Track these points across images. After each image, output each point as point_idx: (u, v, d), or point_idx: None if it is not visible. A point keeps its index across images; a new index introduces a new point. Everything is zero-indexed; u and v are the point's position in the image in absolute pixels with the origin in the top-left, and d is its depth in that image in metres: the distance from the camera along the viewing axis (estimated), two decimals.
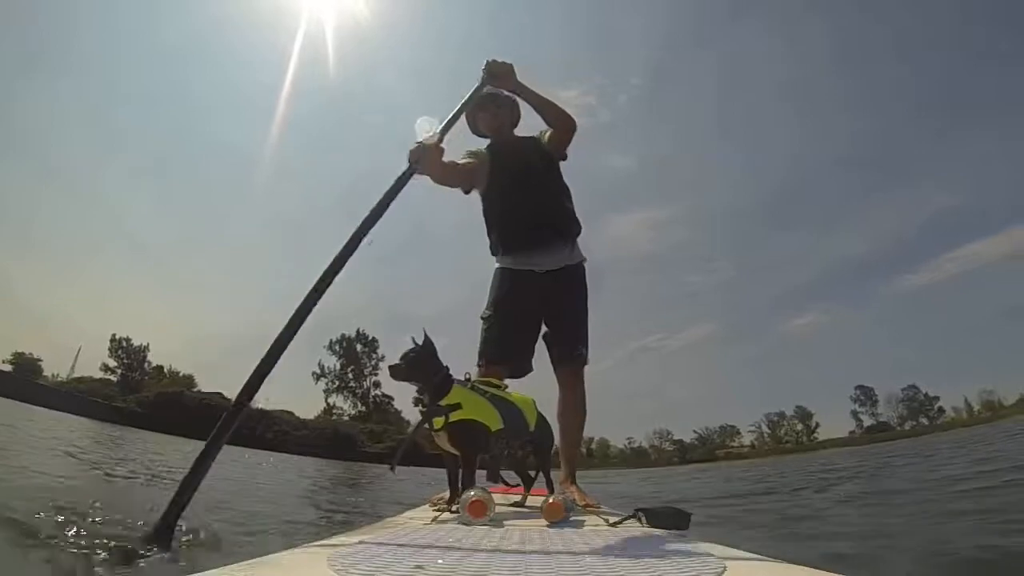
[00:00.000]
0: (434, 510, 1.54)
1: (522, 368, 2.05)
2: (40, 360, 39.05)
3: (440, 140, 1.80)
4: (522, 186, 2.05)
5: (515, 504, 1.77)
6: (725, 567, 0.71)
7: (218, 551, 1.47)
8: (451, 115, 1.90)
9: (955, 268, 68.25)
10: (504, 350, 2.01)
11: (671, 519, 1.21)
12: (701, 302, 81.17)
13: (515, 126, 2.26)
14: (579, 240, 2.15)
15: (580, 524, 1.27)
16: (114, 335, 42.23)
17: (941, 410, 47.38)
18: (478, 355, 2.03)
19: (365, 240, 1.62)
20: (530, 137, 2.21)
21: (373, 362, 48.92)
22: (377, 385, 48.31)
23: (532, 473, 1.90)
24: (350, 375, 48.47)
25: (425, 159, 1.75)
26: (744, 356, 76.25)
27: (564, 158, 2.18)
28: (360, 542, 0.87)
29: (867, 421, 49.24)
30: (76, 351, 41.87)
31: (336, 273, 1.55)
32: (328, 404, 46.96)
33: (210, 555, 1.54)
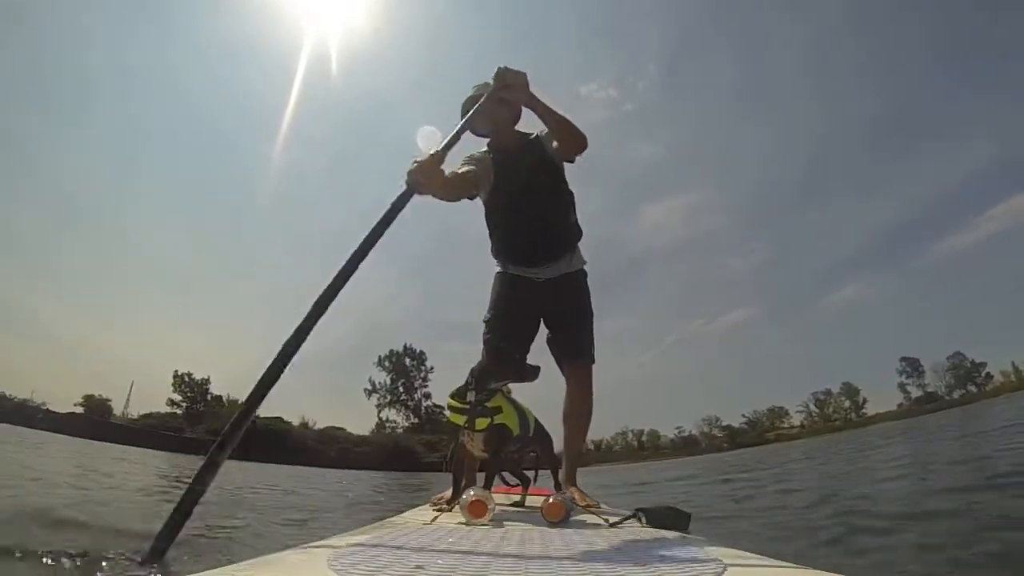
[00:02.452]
0: (434, 510, 1.54)
1: None
2: (109, 400, 41.46)
3: (441, 158, 1.63)
4: (524, 200, 2.01)
5: (515, 504, 1.78)
6: (725, 567, 0.71)
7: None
8: (454, 130, 1.74)
9: (994, 227, 64.13)
10: (504, 345, 2.03)
11: (671, 519, 1.22)
12: (741, 285, 79.05)
13: (516, 122, 2.13)
14: (580, 245, 2.14)
15: (580, 524, 1.27)
16: (176, 371, 44.75)
17: (989, 376, 44.94)
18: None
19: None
20: (534, 138, 2.10)
21: (423, 374, 49.88)
22: (428, 396, 49.28)
23: (529, 474, 1.95)
24: (401, 388, 49.75)
25: (425, 178, 1.58)
26: (787, 336, 73.77)
27: (571, 161, 2.08)
28: (360, 542, 0.87)
29: (915, 393, 47.33)
30: (129, 386, 43.91)
31: (329, 302, 1.42)
32: (381, 418, 48.56)
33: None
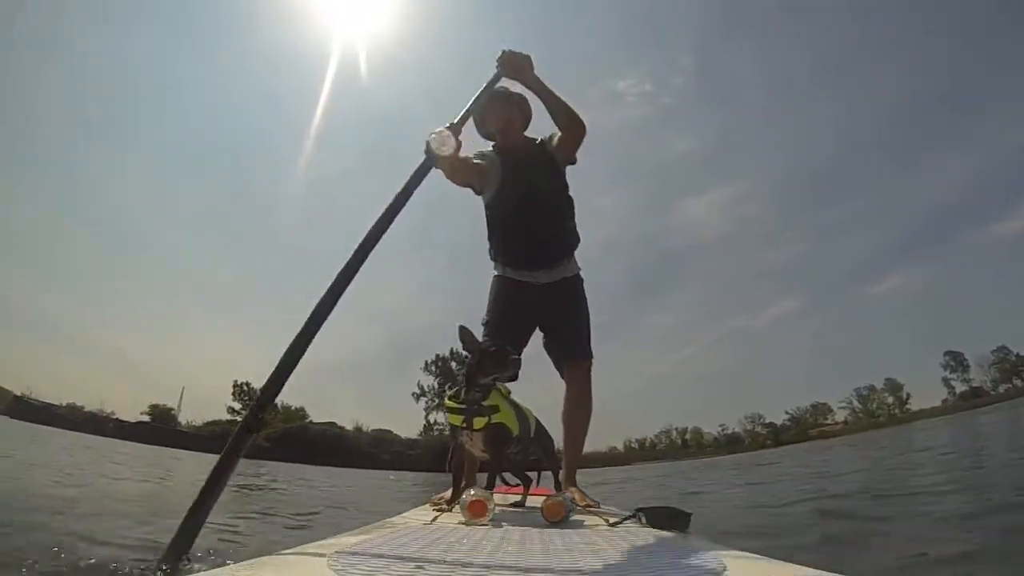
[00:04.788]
0: (434, 510, 1.54)
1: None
2: (173, 409, 44.32)
3: (458, 130, 1.70)
4: (528, 205, 2.00)
5: (515, 504, 1.78)
6: (725, 567, 0.71)
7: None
8: (464, 109, 1.77)
9: None
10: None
11: (671, 519, 1.21)
12: (781, 277, 76.92)
13: (527, 127, 2.16)
14: (576, 252, 2.15)
15: (580, 524, 1.27)
16: (235, 380, 47.78)
17: None
18: None
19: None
20: (539, 143, 2.12)
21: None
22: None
23: (530, 474, 1.95)
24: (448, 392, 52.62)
25: (441, 146, 1.64)
26: (829, 329, 71.72)
27: (573, 162, 2.10)
28: (360, 542, 0.87)
29: (959, 388, 45.81)
30: (180, 393, 46.13)
31: (350, 278, 1.43)
32: (428, 421, 49.83)
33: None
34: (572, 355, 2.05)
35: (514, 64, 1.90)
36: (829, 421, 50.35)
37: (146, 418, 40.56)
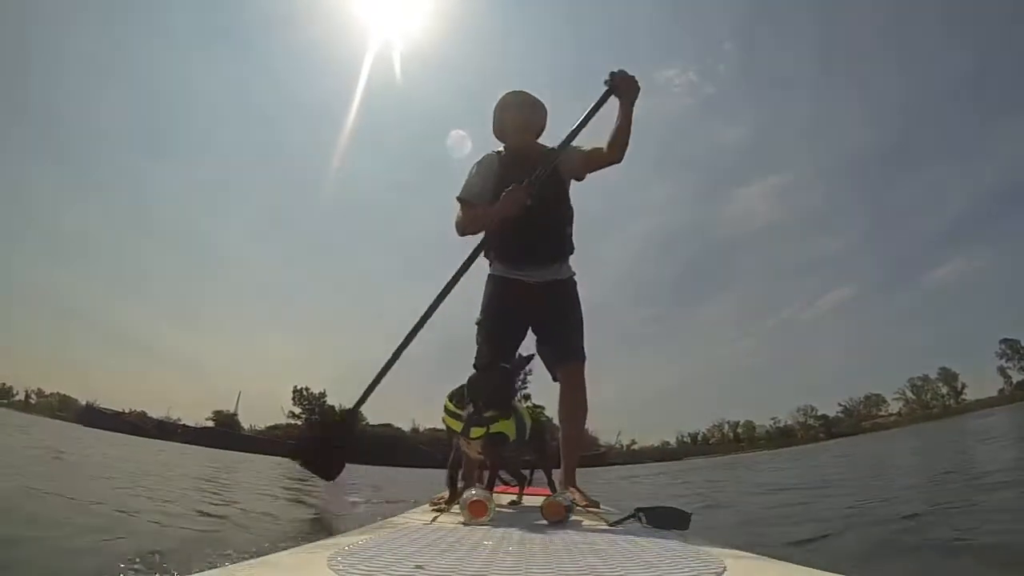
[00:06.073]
0: (434, 510, 1.54)
1: None
2: (236, 414, 45.39)
3: (530, 190, 1.88)
4: (526, 210, 1.98)
5: (513, 503, 1.79)
6: (725, 567, 0.71)
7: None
8: (573, 127, 1.94)
9: None
10: (494, 356, 2.04)
11: (671, 519, 1.22)
12: (834, 266, 76.33)
13: (539, 135, 2.18)
14: (571, 259, 2.17)
15: (580, 524, 1.27)
16: (295, 386, 49.26)
17: None
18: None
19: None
20: (549, 150, 2.10)
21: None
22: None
23: (526, 473, 1.97)
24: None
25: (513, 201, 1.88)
26: (884, 318, 70.07)
27: (581, 179, 2.14)
28: (360, 542, 0.87)
29: (1016, 377, 43.55)
30: (236, 397, 47.36)
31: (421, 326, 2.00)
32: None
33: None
34: (565, 357, 2.07)
35: (630, 87, 1.93)
36: (883, 412, 48.46)
37: (210, 423, 41.92)
